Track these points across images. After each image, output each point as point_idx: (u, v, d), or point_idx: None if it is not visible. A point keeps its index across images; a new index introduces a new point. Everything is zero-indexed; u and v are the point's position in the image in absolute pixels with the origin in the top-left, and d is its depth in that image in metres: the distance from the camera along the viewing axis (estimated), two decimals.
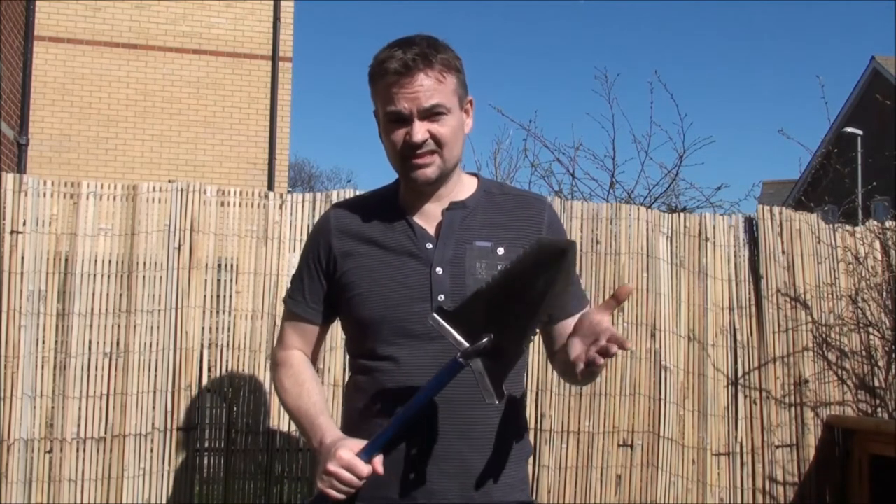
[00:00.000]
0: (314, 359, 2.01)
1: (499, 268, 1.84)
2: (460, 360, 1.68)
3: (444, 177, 1.87)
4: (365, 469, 1.71)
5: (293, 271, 2.04)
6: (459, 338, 1.68)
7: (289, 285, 2.02)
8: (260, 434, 3.35)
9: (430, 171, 1.84)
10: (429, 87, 1.80)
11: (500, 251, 1.86)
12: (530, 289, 1.68)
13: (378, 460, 1.73)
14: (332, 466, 1.71)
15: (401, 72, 1.79)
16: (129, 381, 3.22)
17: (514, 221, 1.92)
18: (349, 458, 1.71)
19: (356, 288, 1.86)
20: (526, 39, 67.90)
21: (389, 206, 1.92)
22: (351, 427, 1.85)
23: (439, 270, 1.83)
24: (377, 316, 1.82)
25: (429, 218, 1.89)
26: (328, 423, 1.84)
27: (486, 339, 1.66)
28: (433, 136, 1.82)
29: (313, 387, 1.93)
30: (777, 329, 3.87)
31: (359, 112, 65.29)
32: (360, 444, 1.74)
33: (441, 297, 1.81)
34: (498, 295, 1.69)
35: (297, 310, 1.97)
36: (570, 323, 1.96)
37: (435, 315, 1.70)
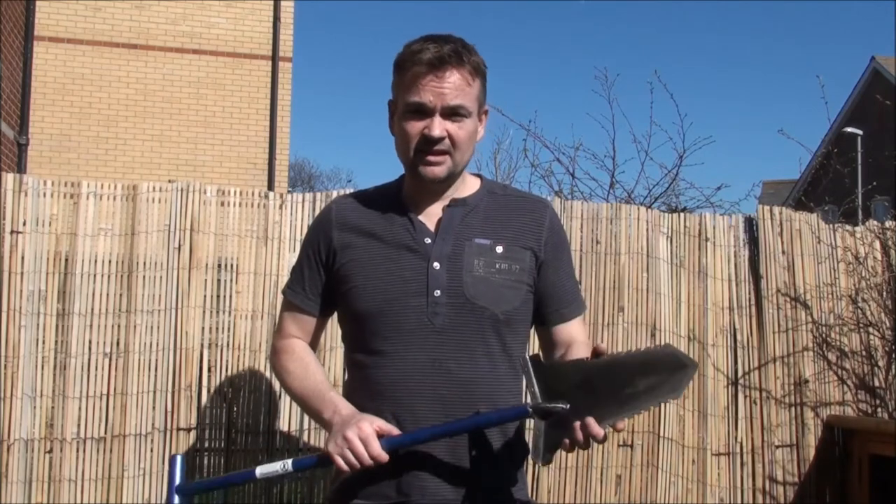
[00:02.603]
0: (312, 350, 2.01)
1: (497, 265, 1.84)
2: (529, 409, 1.66)
3: (451, 178, 1.87)
4: (377, 451, 1.70)
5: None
6: (538, 391, 1.66)
7: (288, 276, 2.02)
8: (260, 434, 3.35)
9: (440, 171, 1.84)
10: (457, 86, 1.80)
11: (499, 249, 1.86)
12: (630, 386, 1.64)
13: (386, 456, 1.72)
14: (351, 434, 1.70)
15: (434, 64, 1.78)
16: (129, 381, 3.22)
17: (514, 221, 1.91)
18: (370, 433, 1.71)
19: (353, 280, 1.86)
20: (526, 39, 67.91)
21: (391, 201, 1.92)
22: None
23: (437, 265, 1.82)
24: (373, 309, 1.82)
25: (430, 214, 1.89)
26: (340, 398, 1.84)
27: (562, 406, 1.63)
28: (450, 137, 1.81)
29: (317, 368, 1.94)
30: (777, 329, 3.86)
31: (359, 112, 65.23)
32: (385, 427, 1.73)
33: (437, 293, 1.80)
34: (596, 374, 1.65)
35: (295, 300, 1.97)
36: (566, 327, 1.96)
37: (527, 358, 1.69)
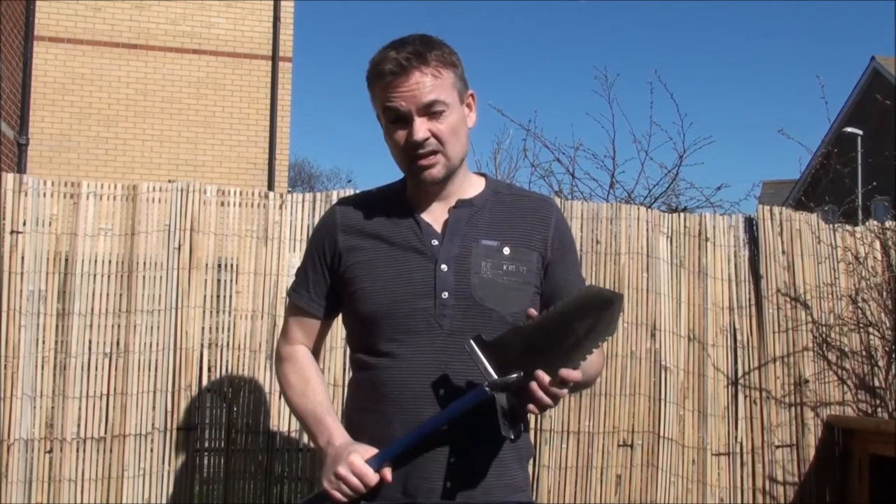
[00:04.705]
0: (316, 353, 2.02)
1: (504, 267, 1.84)
2: (487, 390, 1.68)
3: (450, 174, 1.87)
4: (374, 478, 1.73)
5: (293, 271, 2.04)
6: (490, 368, 1.69)
7: (293, 279, 2.02)
8: (260, 434, 3.35)
9: (437, 171, 1.83)
10: (425, 84, 1.79)
11: (506, 251, 1.86)
12: (570, 335, 1.68)
13: (387, 470, 1.75)
14: (343, 471, 1.73)
15: (396, 72, 1.78)
16: (129, 381, 3.22)
17: (520, 222, 1.91)
18: (361, 465, 1.73)
19: (360, 283, 1.86)
20: (526, 39, 67.92)
21: (396, 203, 1.92)
22: (352, 424, 1.86)
23: (444, 267, 1.82)
24: (380, 311, 1.82)
25: (435, 215, 1.89)
26: (335, 424, 1.85)
27: (515, 376, 1.67)
28: (434, 135, 1.81)
29: (318, 384, 1.94)
30: (777, 329, 3.86)
31: (359, 112, 65.32)
32: (370, 451, 1.76)
33: (445, 295, 1.80)
34: (537, 334, 1.69)
35: (300, 303, 1.97)
36: None
37: (471, 342, 1.70)
